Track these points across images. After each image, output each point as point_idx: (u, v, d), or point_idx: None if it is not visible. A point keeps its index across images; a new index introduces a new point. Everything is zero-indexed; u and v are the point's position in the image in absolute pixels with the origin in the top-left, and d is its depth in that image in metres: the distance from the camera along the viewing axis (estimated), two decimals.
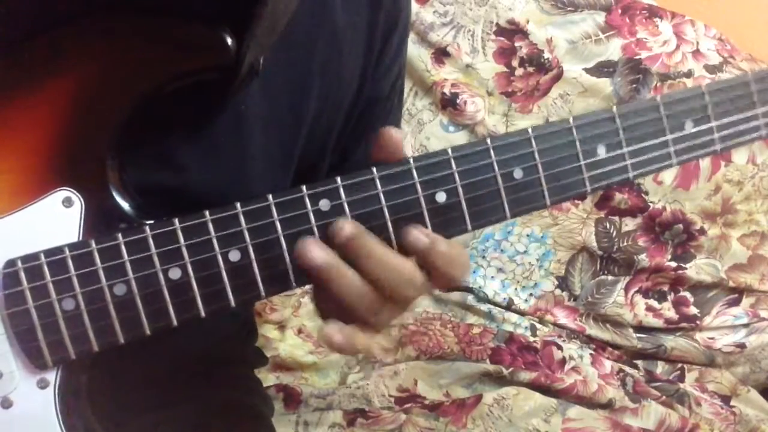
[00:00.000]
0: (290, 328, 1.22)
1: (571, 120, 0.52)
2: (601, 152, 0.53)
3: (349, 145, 0.70)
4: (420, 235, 0.49)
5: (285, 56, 0.59)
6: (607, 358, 1.29)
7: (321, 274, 0.48)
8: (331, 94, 0.63)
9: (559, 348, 1.26)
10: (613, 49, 1.32)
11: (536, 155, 0.52)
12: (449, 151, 0.51)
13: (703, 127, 0.55)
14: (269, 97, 0.59)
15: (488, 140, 0.51)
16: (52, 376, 0.48)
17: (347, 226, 0.48)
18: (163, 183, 0.55)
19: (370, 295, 0.48)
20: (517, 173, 0.52)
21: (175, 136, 0.55)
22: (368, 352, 0.50)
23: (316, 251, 0.48)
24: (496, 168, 0.51)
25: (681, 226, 1.34)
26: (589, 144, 0.53)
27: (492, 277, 1.34)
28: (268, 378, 1.15)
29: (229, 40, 0.48)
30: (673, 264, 1.34)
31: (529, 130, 0.52)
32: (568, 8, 1.32)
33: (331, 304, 0.51)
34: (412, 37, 1.28)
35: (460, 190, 0.51)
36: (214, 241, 0.48)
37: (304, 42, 0.60)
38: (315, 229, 0.49)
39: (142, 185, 0.52)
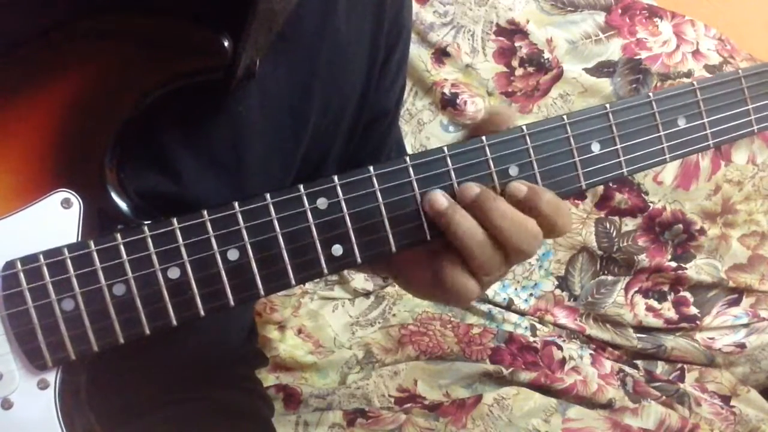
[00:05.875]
0: (290, 328, 1.22)
1: (564, 117, 0.53)
2: (595, 148, 0.54)
3: (358, 157, 0.70)
4: (523, 186, 0.51)
5: (287, 59, 0.59)
6: (607, 358, 1.29)
7: (444, 219, 0.50)
8: (333, 103, 0.63)
9: (559, 348, 1.25)
10: (613, 49, 1.32)
11: (531, 152, 0.52)
12: (445, 149, 0.51)
13: (696, 122, 0.56)
14: (269, 104, 0.59)
15: (483, 138, 0.52)
16: (52, 377, 0.48)
17: (475, 187, 0.50)
18: (160, 188, 0.55)
19: (489, 248, 0.50)
20: (513, 170, 0.52)
21: (172, 140, 0.55)
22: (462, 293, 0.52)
23: (442, 199, 0.50)
24: (491, 165, 0.52)
25: (681, 226, 1.34)
26: (583, 140, 0.53)
27: None
28: (268, 378, 1.15)
29: (226, 42, 0.48)
30: (673, 264, 1.34)
31: (524, 128, 0.52)
32: (568, 8, 1.32)
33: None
34: (412, 37, 1.28)
35: (456, 187, 0.51)
36: (213, 240, 0.48)
37: (307, 47, 0.60)
38: (313, 227, 0.49)
39: (140, 189, 0.52)
